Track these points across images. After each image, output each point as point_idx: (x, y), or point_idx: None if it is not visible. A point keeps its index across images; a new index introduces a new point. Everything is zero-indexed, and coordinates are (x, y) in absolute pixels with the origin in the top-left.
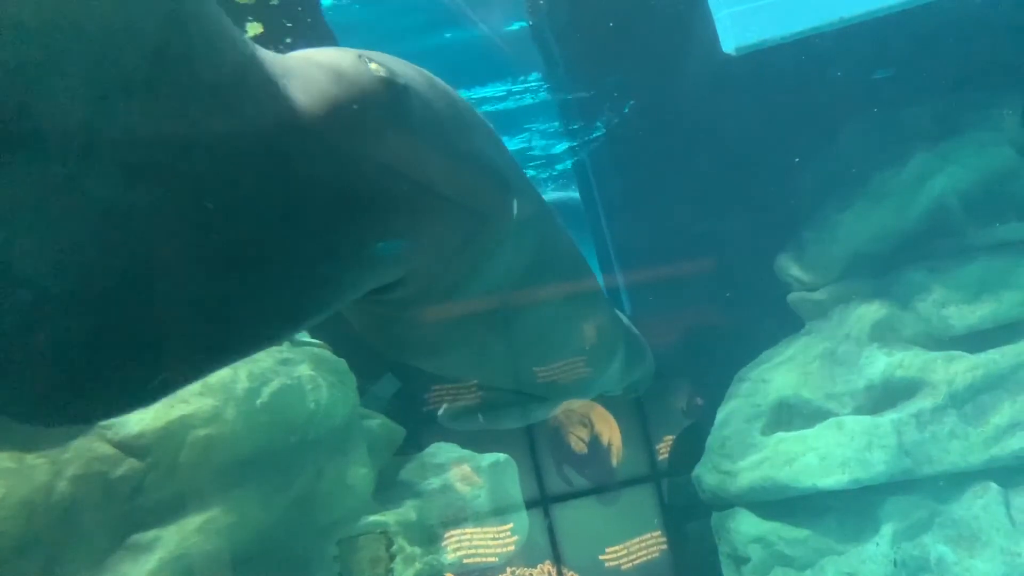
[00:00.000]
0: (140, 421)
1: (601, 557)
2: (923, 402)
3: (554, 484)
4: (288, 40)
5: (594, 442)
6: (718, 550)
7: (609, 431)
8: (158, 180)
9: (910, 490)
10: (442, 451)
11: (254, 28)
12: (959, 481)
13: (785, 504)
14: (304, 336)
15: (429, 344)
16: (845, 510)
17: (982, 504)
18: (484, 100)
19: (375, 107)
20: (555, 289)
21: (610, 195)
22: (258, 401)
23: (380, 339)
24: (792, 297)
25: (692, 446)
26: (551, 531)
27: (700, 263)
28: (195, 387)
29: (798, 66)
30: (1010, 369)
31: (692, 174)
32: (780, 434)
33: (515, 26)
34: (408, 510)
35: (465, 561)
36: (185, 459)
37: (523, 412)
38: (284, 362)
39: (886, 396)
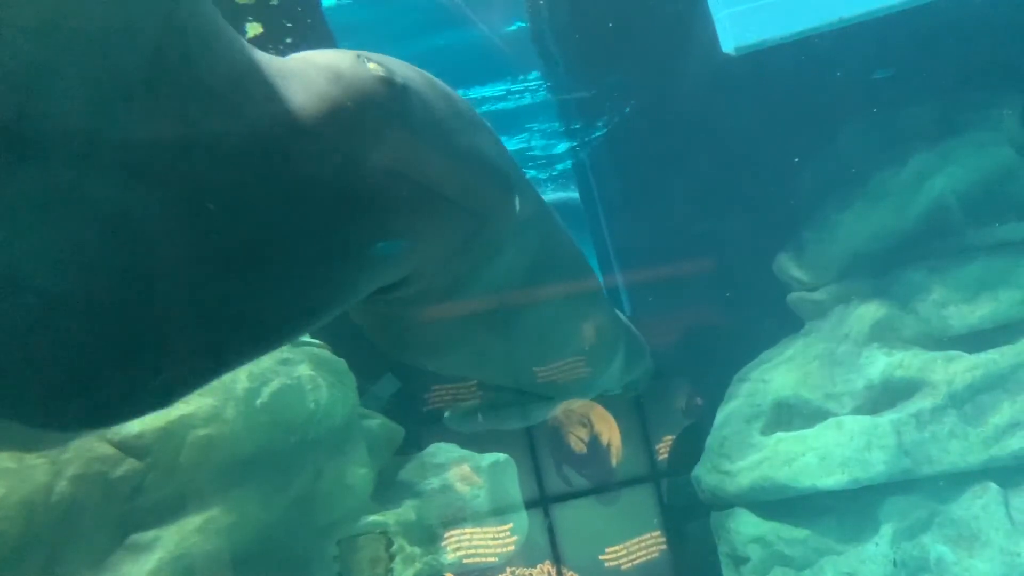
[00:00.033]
0: (140, 421)
1: (601, 557)
2: (922, 402)
3: (554, 484)
4: (288, 40)
5: (594, 442)
6: (717, 550)
7: (609, 431)
8: (159, 182)
9: (909, 490)
10: (442, 451)
11: (254, 28)
12: (958, 481)
13: (784, 504)
14: (304, 336)
15: (431, 343)
16: (844, 510)
17: (981, 504)
18: (484, 100)
19: (374, 107)
20: (556, 289)
21: (610, 195)
22: (258, 401)
23: (384, 338)
24: (792, 297)
25: (692, 446)
26: (551, 531)
27: (700, 263)
28: None
29: (798, 66)
30: (1009, 369)
31: (692, 174)
32: (780, 434)
33: (515, 26)
34: (408, 510)
35: (465, 561)
36: (185, 459)
37: (524, 412)
38: (284, 362)
39: (885, 396)
